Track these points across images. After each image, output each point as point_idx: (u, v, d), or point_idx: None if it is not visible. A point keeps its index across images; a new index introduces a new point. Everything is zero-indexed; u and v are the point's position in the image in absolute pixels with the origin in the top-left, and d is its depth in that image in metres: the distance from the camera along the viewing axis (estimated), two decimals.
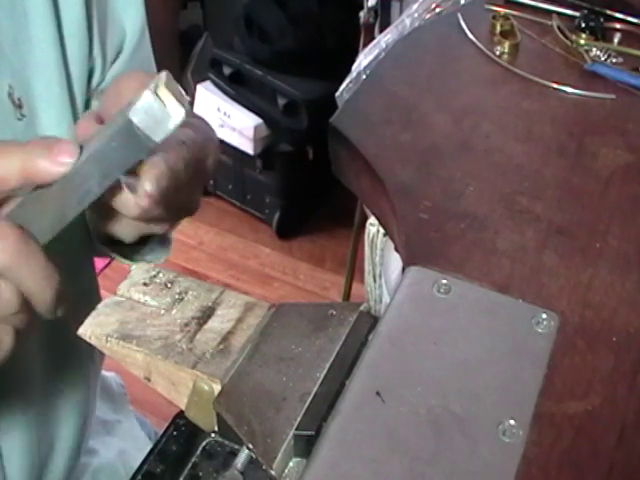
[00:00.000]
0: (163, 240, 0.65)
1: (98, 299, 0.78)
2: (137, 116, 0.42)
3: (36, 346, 0.69)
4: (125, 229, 0.55)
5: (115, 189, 0.47)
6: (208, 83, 2.10)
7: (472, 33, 0.84)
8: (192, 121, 0.54)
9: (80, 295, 0.72)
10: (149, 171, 0.47)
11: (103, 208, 0.51)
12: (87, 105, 0.68)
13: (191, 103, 0.44)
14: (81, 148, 0.44)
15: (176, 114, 0.42)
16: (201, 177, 0.55)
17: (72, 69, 0.64)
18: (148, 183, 0.47)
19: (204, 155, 0.54)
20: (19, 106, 0.60)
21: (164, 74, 0.43)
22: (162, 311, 0.51)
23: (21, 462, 0.71)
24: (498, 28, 0.83)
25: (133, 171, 0.46)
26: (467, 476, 0.42)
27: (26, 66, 0.61)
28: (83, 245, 0.72)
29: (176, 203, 0.52)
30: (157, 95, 0.42)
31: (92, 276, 0.78)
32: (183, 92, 0.43)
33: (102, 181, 0.44)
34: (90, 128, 0.48)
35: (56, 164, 0.43)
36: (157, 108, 0.42)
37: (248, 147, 2.05)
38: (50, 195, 0.45)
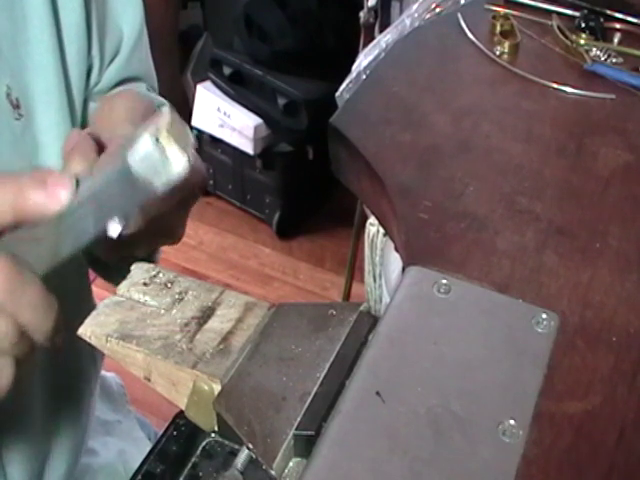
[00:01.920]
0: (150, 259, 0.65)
1: (91, 298, 0.78)
2: (136, 162, 0.39)
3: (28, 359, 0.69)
4: (105, 252, 0.55)
5: None
6: (208, 83, 2.10)
7: (472, 33, 0.84)
8: None
9: (78, 295, 0.72)
10: None
11: None
12: (84, 107, 0.68)
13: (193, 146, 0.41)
14: (77, 182, 0.42)
15: (177, 162, 0.39)
16: (184, 207, 0.54)
17: (70, 70, 0.64)
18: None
19: (189, 186, 0.52)
20: (17, 106, 0.60)
21: (167, 115, 0.39)
22: (162, 311, 0.51)
23: (21, 462, 0.71)
24: (498, 28, 0.83)
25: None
26: (467, 476, 0.42)
27: (24, 67, 0.61)
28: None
29: (156, 231, 0.51)
30: (158, 141, 0.39)
31: (85, 279, 0.78)
32: (189, 134, 0.40)
33: (99, 222, 0.42)
34: (78, 141, 0.47)
35: (51, 198, 0.42)
36: (156, 156, 0.39)
37: (248, 147, 2.06)
38: (45, 231, 0.43)
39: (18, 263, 0.42)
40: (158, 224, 0.50)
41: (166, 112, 0.40)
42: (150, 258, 0.63)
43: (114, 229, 0.42)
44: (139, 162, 0.39)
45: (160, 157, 0.39)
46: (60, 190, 0.42)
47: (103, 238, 0.44)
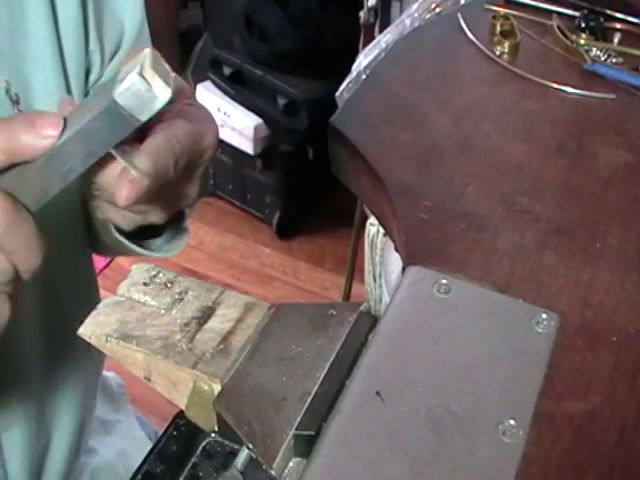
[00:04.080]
0: (180, 231, 0.65)
1: (97, 299, 0.78)
2: (122, 97, 0.41)
3: (36, 345, 0.69)
4: (120, 217, 0.55)
5: (102, 167, 0.47)
6: (208, 83, 2.10)
7: (472, 33, 0.84)
8: (187, 109, 0.53)
9: (80, 296, 0.72)
10: (148, 147, 0.47)
11: (96, 194, 0.51)
12: None
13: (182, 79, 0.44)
14: (65, 121, 0.44)
15: (162, 94, 0.42)
16: (195, 169, 0.54)
17: (69, 65, 0.64)
18: (144, 159, 0.47)
19: (198, 146, 0.53)
20: (16, 102, 0.60)
21: (149, 53, 0.42)
22: (162, 311, 0.51)
23: (21, 460, 0.71)
24: (498, 28, 0.83)
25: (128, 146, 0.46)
26: (467, 476, 0.42)
27: (23, 62, 0.61)
28: (81, 243, 0.72)
29: (167, 195, 0.52)
30: (142, 76, 0.41)
31: (91, 276, 0.78)
32: (169, 69, 0.43)
33: (86, 159, 0.44)
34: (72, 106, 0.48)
35: (40, 137, 0.43)
36: (143, 89, 0.42)
37: (248, 147, 2.05)
38: (33, 170, 0.44)
39: (15, 200, 0.43)
40: (165, 191, 0.50)
41: (147, 50, 0.43)
42: (181, 225, 0.64)
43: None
44: (125, 96, 0.42)
45: (145, 90, 0.42)
46: (48, 129, 0.43)
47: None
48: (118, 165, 0.47)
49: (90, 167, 0.45)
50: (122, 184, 0.47)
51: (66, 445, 0.77)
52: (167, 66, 0.43)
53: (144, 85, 0.42)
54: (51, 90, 0.63)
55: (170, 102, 0.43)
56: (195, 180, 0.55)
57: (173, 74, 0.43)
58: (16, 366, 0.67)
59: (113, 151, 0.45)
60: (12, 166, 0.44)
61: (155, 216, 0.55)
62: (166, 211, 0.55)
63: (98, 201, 0.55)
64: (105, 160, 0.46)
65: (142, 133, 0.49)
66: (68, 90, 0.65)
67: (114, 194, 0.47)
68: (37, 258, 0.45)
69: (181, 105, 0.53)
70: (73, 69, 0.65)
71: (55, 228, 0.50)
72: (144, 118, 0.43)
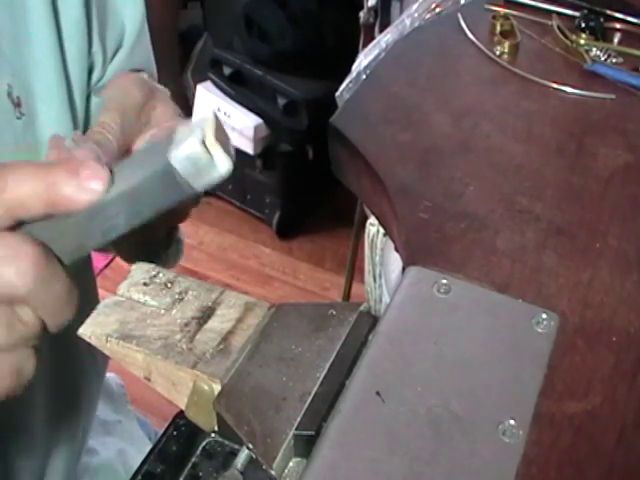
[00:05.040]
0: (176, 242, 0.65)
1: (97, 299, 0.78)
2: (179, 163, 0.39)
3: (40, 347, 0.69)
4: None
5: None
6: (208, 83, 2.10)
7: (472, 33, 0.84)
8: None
9: (80, 295, 0.72)
10: None
11: None
12: (87, 102, 0.68)
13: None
14: (111, 172, 0.41)
15: (222, 165, 0.39)
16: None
17: (71, 68, 0.64)
18: None
19: None
20: (18, 105, 0.60)
21: (212, 118, 0.39)
22: (162, 311, 0.51)
23: (24, 461, 0.71)
24: (498, 28, 0.83)
25: None
26: (467, 476, 0.42)
27: (25, 65, 0.61)
28: None
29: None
30: (204, 144, 0.38)
31: (91, 276, 0.78)
32: (228, 136, 0.40)
33: (130, 219, 0.41)
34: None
35: (84, 191, 0.40)
36: (203, 158, 0.39)
37: (248, 147, 2.06)
38: (71, 223, 0.41)
39: (48, 252, 0.41)
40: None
41: (211, 115, 0.40)
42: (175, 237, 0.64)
43: None
44: (184, 163, 0.39)
45: (206, 160, 0.39)
46: (94, 183, 0.40)
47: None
48: None
49: (133, 229, 0.42)
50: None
51: (68, 447, 0.77)
52: (227, 135, 0.40)
53: (205, 154, 0.38)
54: (53, 93, 0.63)
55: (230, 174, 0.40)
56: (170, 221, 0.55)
57: (232, 142, 0.40)
58: None
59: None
60: (49, 215, 0.41)
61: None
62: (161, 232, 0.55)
63: None
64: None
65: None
66: (70, 93, 0.65)
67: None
68: (67, 314, 0.42)
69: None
70: (75, 72, 0.65)
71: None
72: (200, 188, 0.39)
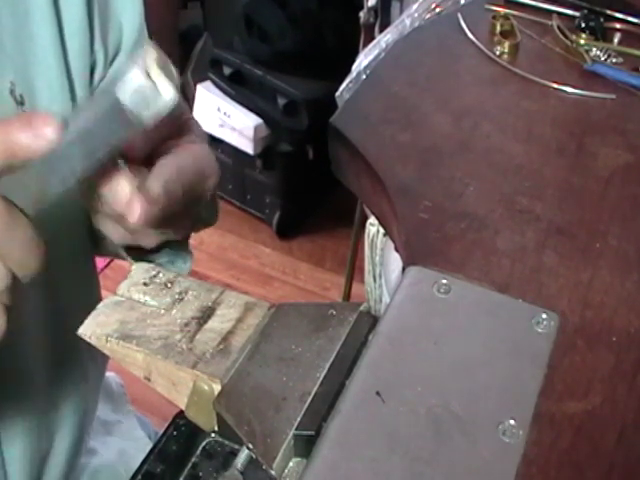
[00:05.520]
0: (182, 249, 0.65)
1: (99, 298, 0.78)
2: (124, 93, 0.40)
3: (36, 346, 0.69)
4: (115, 232, 0.55)
5: (108, 179, 0.46)
6: (208, 83, 2.10)
7: (472, 33, 0.84)
8: (193, 147, 0.53)
9: (80, 295, 0.72)
10: (159, 172, 0.46)
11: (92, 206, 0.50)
12: None
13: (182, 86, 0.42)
14: (65, 121, 0.42)
15: (167, 93, 0.40)
16: (193, 206, 0.54)
17: (73, 66, 0.64)
18: (156, 183, 0.46)
19: (201, 186, 0.53)
20: (21, 103, 0.60)
21: (153, 50, 0.41)
22: (162, 311, 0.51)
23: (22, 461, 0.71)
24: (498, 28, 0.83)
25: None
26: (467, 476, 0.42)
27: (28, 63, 0.61)
28: (84, 244, 0.72)
29: (164, 222, 0.51)
30: (146, 72, 0.40)
31: (93, 276, 0.78)
32: (175, 70, 0.41)
33: (85, 161, 0.42)
34: None
35: (39, 138, 0.41)
36: (147, 88, 0.40)
37: (248, 147, 2.06)
38: (30, 172, 0.42)
39: (9, 203, 0.42)
40: (164, 218, 0.50)
41: (151, 48, 0.41)
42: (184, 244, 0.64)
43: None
44: (130, 96, 0.40)
45: (151, 90, 0.40)
46: (47, 129, 0.41)
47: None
48: (123, 179, 0.46)
49: (91, 172, 0.43)
50: (137, 201, 0.46)
51: (67, 449, 0.77)
52: (172, 66, 0.42)
53: (147, 82, 0.40)
54: (55, 91, 0.63)
55: (175, 106, 0.41)
56: (188, 217, 0.55)
57: (177, 76, 0.42)
58: (19, 369, 0.67)
59: (120, 161, 0.44)
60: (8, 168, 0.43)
61: (144, 240, 0.55)
62: (155, 239, 0.55)
63: (96, 212, 0.55)
64: (110, 171, 0.45)
65: (149, 159, 0.49)
66: (72, 91, 0.65)
67: (124, 210, 0.46)
68: (35, 262, 0.43)
69: (188, 139, 0.53)
70: (78, 70, 0.65)
71: (58, 229, 0.49)
72: (148, 119, 0.41)
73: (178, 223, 0.55)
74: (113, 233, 0.56)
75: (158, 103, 0.41)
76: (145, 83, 0.40)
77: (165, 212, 0.48)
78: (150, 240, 0.55)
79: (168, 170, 0.48)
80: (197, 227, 0.66)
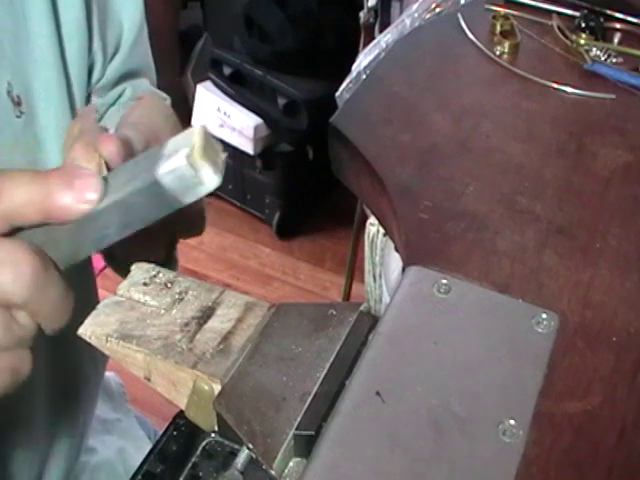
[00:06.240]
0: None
1: (97, 299, 0.78)
2: (166, 178, 0.39)
3: (36, 346, 0.69)
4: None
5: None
6: (208, 83, 2.10)
7: (472, 33, 0.84)
8: None
9: (79, 295, 0.72)
10: None
11: None
12: (87, 102, 0.68)
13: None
14: (104, 183, 0.41)
15: (209, 181, 0.39)
16: (171, 229, 0.55)
17: (71, 67, 0.64)
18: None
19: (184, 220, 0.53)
20: (18, 103, 0.60)
21: (201, 133, 0.39)
22: (162, 311, 0.51)
23: (22, 461, 0.71)
24: (498, 28, 0.83)
25: None
26: (467, 476, 0.42)
27: (25, 64, 0.61)
28: None
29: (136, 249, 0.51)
30: (190, 161, 0.38)
31: (91, 276, 0.78)
32: (220, 150, 0.40)
33: (121, 230, 0.42)
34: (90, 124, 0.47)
35: (79, 201, 0.40)
36: (188, 175, 0.39)
37: (248, 147, 2.06)
38: (65, 232, 0.42)
39: (45, 258, 0.41)
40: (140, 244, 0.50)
41: (199, 130, 0.39)
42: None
43: None
44: (170, 179, 0.39)
45: (193, 177, 0.39)
46: (88, 193, 0.41)
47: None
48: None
49: (122, 238, 0.43)
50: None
51: (67, 447, 0.77)
52: (218, 146, 0.40)
53: (190, 171, 0.38)
54: (52, 92, 0.63)
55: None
56: (165, 242, 0.55)
57: (224, 155, 0.40)
58: None
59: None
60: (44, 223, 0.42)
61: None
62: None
63: None
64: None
65: None
66: (70, 92, 0.65)
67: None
68: (63, 318, 0.43)
69: None
70: (75, 71, 0.65)
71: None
72: (187, 201, 0.40)
73: (153, 241, 0.55)
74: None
75: (199, 189, 0.40)
76: (186, 170, 0.39)
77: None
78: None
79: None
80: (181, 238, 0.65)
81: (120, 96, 0.73)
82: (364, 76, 0.81)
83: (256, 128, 2.02)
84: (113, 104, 0.72)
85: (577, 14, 0.85)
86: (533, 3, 0.88)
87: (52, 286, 0.42)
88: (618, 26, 0.85)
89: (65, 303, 0.43)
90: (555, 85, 0.76)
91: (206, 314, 0.51)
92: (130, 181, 0.41)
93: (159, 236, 0.54)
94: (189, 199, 0.40)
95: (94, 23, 0.65)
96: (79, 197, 0.40)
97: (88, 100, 0.68)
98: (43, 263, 0.41)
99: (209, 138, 0.40)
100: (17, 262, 0.40)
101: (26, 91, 0.61)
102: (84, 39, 0.65)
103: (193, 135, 0.39)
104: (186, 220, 0.56)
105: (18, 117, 0.61)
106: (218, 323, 0.50)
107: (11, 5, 0.60)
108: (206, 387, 0.47)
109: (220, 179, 0.40)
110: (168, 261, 0.61)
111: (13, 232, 0.42)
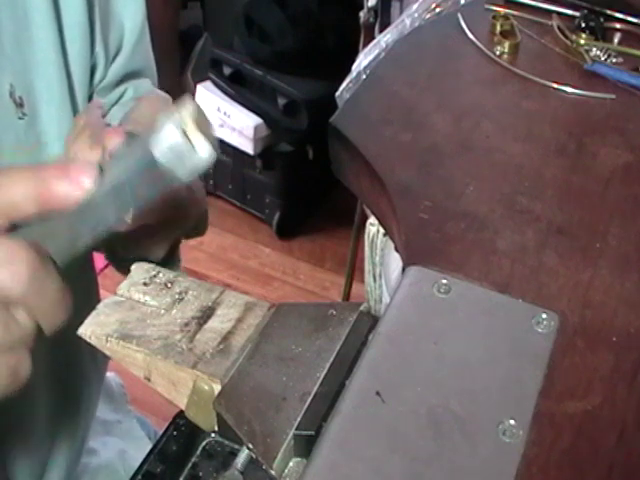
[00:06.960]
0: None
1: (98, 299, 0.78)
2: (160, 152, 0.39)
3: (36, 346, 0.69)
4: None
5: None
6: (208, 83, 2.10)
7: (472, 33, 0.84)
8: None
9: (80, 295, 0.72)
10: None
11: None
12: (89, 102, 0.68)
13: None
14: (100, 170, 0.41)
15: (203, 152, 0.39)
16: (170, 230, 0.55)
17: (73, 68, 0.64)
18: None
19: (177, 211, 0.54)
20: (20, 105, 0.60)
21: (191, 104, 0.39)
22: (162, 311, 0.51)
23: (24, 462, 0.71)
24: (498, 28, 0.83)
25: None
26: (467, 476, 0.42)
27: (27, 65, 0.61)
28: None
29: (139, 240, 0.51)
30: (183, 131, 0.39)
31: (92, 275, 0.78)
32: (210, 122, 0.40)
33: (118, 212, 0.42)
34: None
35: (74, 187, 0.41)
36: (183, 146, 0.39)
37: (248, 147, 2.06)
38: (61, 221, 0.42)
39: (42, 255, 0.41)
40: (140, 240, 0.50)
41: (189, 102, 0.40)
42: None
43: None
44: (164, 152, 0.39)
45: (186, 148, 0.39)
46: (83, 179, 0.41)
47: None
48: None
49: (121, 223, 0.43)
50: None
51: (68, 449, 0.77)
52: (209, 120, 0.40)
53: (184, 142, 0.39)
54: (55, 94, 0.63)
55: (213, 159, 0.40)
56: (170, 239, 0.55)
57: (214, 132, 0.40)
58: None
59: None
60: (41, 217, 0.42)
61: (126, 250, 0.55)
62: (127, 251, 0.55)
63: None
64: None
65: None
66: (72, 93, 0.65)
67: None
68: (61, 315, 0.43)
69: None
70: (77, 72, 0.65)
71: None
72: (184, 176, 0.40)
73: (155, 239, 0.55)
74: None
75: (194, 161, 0.39)
76: (180, 141, 0.39)
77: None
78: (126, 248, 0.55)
79: None
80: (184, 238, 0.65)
81: (122, 96, 0.73)
82: (364, 76, 0.81)
83: (256, 128, 2.02)
84: (115, 104, 0.72)
85: (577, 14, 0.85)
86: (533, 3, 0.88)
87: (49, 282, 0.41)
88: (618, 26, 0.85)
89: (63, 299, 0.43)
90: (555, 85, 0.76)
91: (206, 314, 0.51)
92: (124, 161, 0.41)
93: (159, 236, 0.54)
94: (185, 173, 0.40)
95: (96, 25, 0.65)
96: (74, 183, 0.41)
97: (90, 101, 0.68)
98: (41, 259, 0.41)
99: (200, 111, 0.40)
100: (14, 259, 0.40)
101: (28, 93, 0.61)
102: (86, 41, 0.65)
103: (184, 108, 0.39)
104: (188, 221, 0.57)
105: (20, 119, 0.61)
106: (218, 323, 0.50)
107: (13, 7, 0.60)
108: (206, 387, 0.47)
109: (213, 151, 0.39)
110: (171, 261, 0.61)
111: (11, 229, 0.42)
